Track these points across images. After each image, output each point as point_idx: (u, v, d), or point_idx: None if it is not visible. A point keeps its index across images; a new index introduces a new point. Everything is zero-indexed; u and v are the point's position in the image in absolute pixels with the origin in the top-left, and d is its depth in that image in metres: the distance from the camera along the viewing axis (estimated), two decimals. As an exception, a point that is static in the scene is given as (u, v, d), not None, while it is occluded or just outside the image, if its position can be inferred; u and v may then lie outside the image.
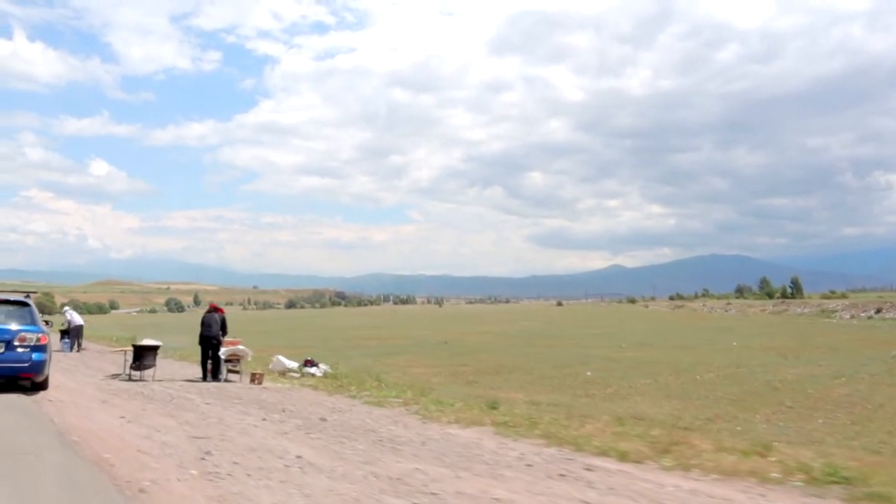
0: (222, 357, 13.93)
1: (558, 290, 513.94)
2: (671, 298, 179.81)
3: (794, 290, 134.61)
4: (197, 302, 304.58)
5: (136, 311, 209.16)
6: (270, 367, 15.37)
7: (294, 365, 15.18)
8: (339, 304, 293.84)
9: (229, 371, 14.02)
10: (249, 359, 14.84)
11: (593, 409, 15.72)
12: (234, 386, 12.88)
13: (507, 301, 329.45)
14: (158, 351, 14.44)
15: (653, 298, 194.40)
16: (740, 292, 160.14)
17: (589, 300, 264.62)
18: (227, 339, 14.68)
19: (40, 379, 10.85)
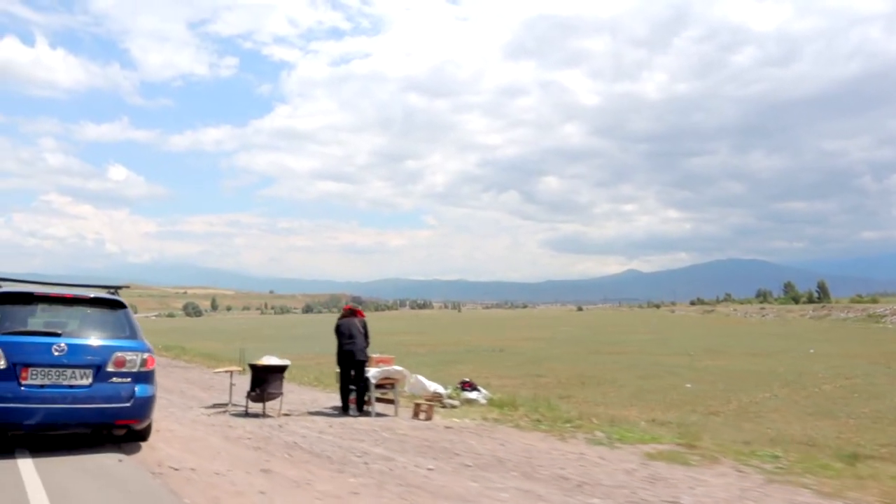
0: (373, 381, 10.18)
1: (574, 294, 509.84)
2: (692, 303, 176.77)
3: (821, 295, 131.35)
4: (214, 306, 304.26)
5: (155, 316, 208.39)
6: (407, 389, 11.88)
7: (441, 389, 11.86)
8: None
9: (378, 400, 10.40)
10: (406, 385, 11.34)
11: (741, 432, 13.28)
12: (404, 424, 9.29)
13: (525, 306, 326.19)
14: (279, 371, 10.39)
15: (673, 303, 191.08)
16: (763, 297, 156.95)
17: (607, 305, 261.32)
18: (374, 354, 10.89)
19: (144, 425, 7.12)
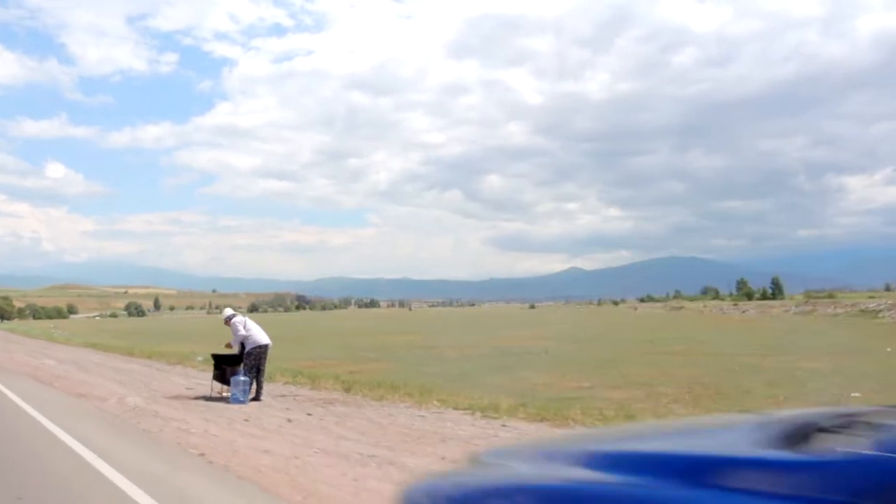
0: None
1: (518, 292, 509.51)
2: (642, 300, 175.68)
3: (775, 291, 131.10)
4: (157, 306, 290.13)
5: (97, 316, 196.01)
6: None
7: None
8: (304, 307, 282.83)
9: None
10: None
11: None
12: None
13: (473, 304, 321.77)
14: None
15: (623, 300, 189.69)
16: (716, 293, 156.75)
17: (556, 302, 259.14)
18: None
19: None
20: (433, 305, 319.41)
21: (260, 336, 11.94)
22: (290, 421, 9.87)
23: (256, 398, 11.48)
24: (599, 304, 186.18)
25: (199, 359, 17.60)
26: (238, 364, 11.70)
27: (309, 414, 10.46)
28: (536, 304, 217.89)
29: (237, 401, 11.08)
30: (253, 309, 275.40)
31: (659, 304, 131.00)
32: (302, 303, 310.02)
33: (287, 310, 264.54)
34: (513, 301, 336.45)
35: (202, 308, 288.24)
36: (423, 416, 10.05)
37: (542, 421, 9.45)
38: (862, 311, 60.12)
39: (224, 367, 11.99)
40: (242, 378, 11.29)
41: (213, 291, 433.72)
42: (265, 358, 11.96)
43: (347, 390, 13.14)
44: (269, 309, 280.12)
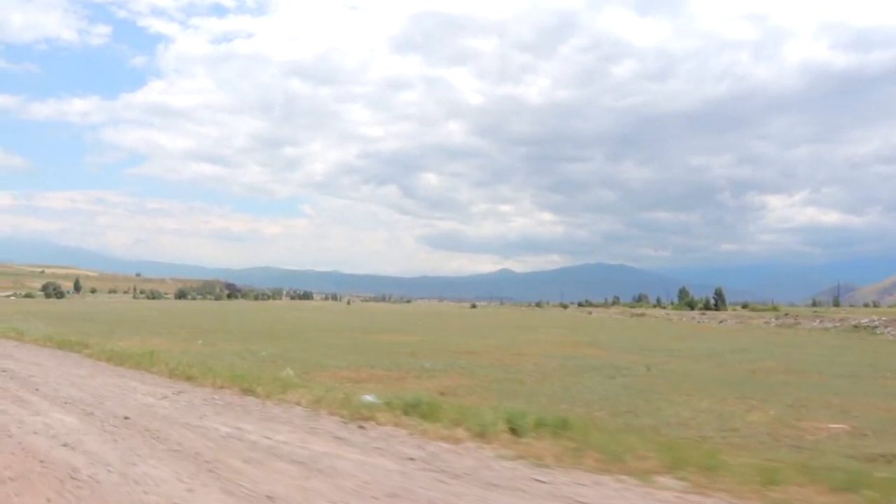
0: None
1: (449, 291, 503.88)
2: (581, 304, 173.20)
3: (718, 302, 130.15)
4: (78, 287, 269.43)
5: (12, 296, 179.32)
6: None
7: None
8: (235, 296, 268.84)
9: None
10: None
11: None
12: None
13: (409, 301, 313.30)
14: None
15: (564, 304, 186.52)
16: (658, 301, 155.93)
17: (493, 303, 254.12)
18: None
19: None
20: (366, 300, 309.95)
21: None
22: None
23: None
24: (539, 305, 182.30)
25: (370, 398, 8.83)
26: None
27: None
28: (465, 304, 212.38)
29: None
30: (181, 295, 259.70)
31: (614, 310, 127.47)
32: (233, 291, 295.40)
33: (217, 298, 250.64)
34: (446, 299, 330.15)
35: (126, 292, 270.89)
36: None
37: None
38: (855, 326, 56.92)
39: None
40: None
41: (138, 275, 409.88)
42: None
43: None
44: (198, 296, 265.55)
